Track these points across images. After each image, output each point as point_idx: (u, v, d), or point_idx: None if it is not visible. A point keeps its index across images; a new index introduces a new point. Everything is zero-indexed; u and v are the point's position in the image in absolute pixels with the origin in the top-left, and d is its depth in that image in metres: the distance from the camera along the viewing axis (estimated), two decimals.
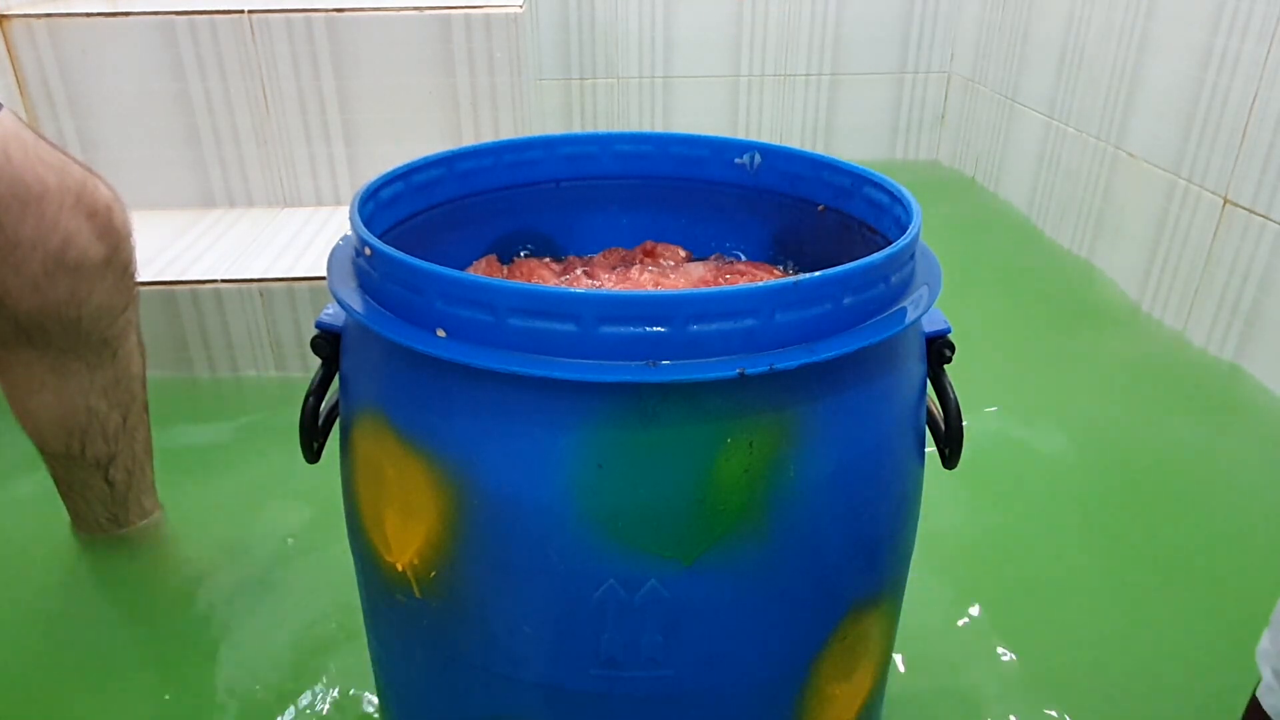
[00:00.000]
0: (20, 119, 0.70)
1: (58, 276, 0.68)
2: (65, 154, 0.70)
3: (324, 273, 0.52)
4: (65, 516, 0.88)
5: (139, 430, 0.82)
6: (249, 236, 1.27)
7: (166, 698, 0.74)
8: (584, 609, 0.48)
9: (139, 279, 0.77)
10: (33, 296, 0.68)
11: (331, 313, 0.55)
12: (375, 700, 0.71)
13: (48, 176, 0.67)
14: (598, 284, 0.65)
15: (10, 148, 0.65)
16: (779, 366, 0.43)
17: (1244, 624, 0.83)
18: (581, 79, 1.97)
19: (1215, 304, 1.23)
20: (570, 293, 0.43)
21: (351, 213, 0.52)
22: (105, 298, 0.72)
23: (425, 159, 0.62)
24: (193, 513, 0.92)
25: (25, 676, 0.76)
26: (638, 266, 0.67)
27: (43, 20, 1.23)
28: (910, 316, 0.48)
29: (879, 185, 0.59)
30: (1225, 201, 1.22)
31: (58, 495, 0.87)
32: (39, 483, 0.90)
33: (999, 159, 1.86)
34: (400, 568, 0.51)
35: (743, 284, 0.50)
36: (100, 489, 0.82)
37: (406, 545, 0.50)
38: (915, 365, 0.53)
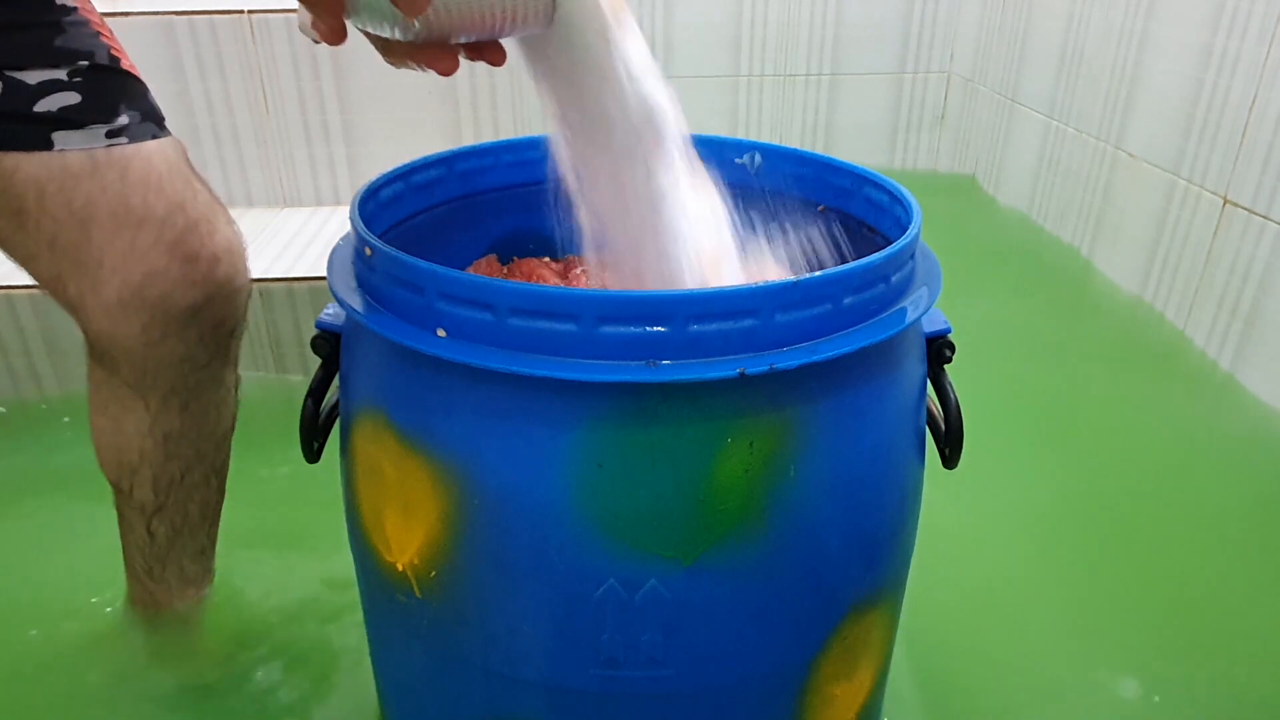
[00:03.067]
0: (177, 146, 0.67)
1: (132, 309, 0.65)
2: (203, 192, 0.67)
3: (324, 273, 0.52)
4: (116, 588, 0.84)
5: (200, 492, 0.77)
6: (249, 236, 1.26)
7: None
8: (584, 608, 0.48)
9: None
10: (103, 319, 0.65)
11: (332, 313, 0.55)
12: None
13: (156, 206, 0.64)
14: (598, 284, 0.65)
15: (132, 166, 0.63)
16: (779, 366, 0.43)
17: (1245, 619, 0.83)
18: None
19: (1215, 304, 1.23)
20: (570, 292, 0.43)
21: (352, 212, 0.52)
22: (184, 347, 0.68)
23: (425, 159, 0.62)
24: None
25: None
26: None
27: None
28: (910, 316, 0.48)
29: (879, 185, 0.59)
30: (1225, 201, 1.22)
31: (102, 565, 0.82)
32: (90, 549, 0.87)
33: (999, 159, 1.86)
34: (400, 568, 0.51)
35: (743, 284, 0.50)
36: (140, 535, 0.78)
37: (407, 545, 0.50)
38: (915, 365, 0.53)
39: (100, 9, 0.68)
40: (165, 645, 0.80)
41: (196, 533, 0.79)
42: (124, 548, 0.80)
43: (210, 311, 0.67)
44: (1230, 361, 1.20)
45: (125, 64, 0.66)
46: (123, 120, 0.64)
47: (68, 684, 0.78)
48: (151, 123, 0.66)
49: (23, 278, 0.69)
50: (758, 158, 0.66)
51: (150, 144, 0.65)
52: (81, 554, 0.91)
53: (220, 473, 0.78)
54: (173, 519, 0.77)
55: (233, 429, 0.77)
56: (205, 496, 0.78)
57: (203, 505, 0.78)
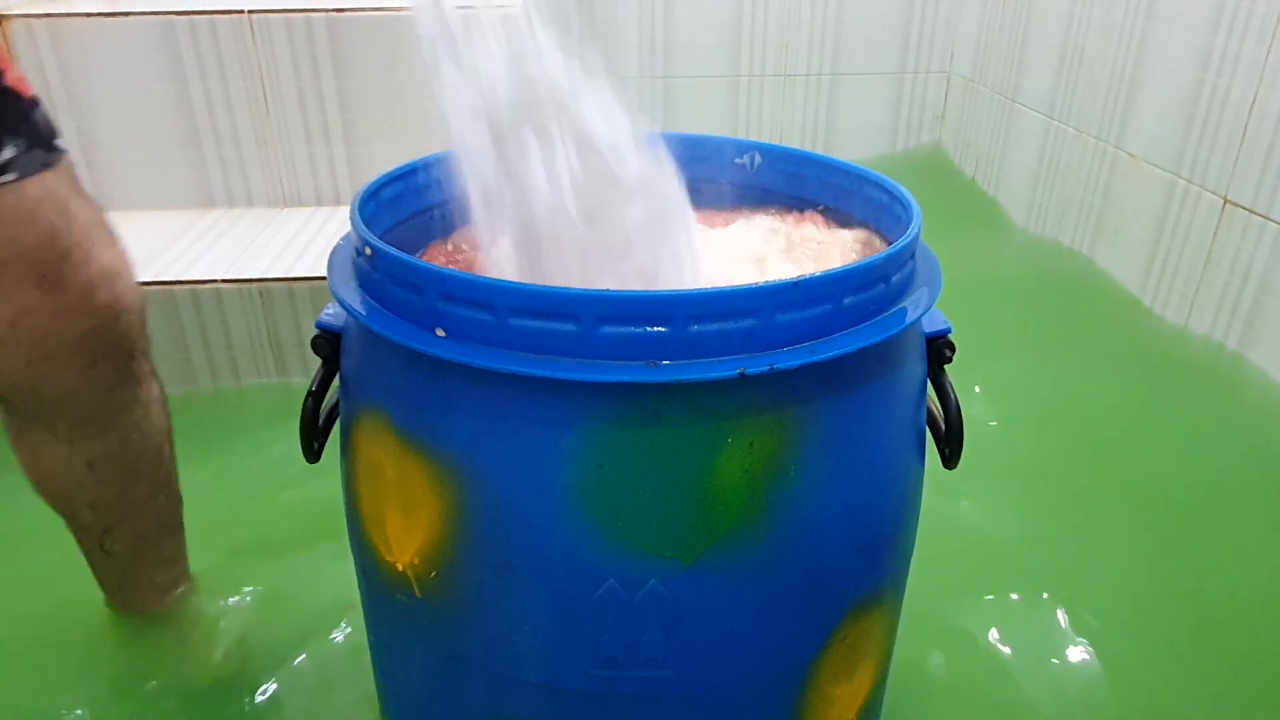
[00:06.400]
0: (61, 167, 0.61)
1: (9, 347, 0.61)
2: (82, 215, 0.62)
3: (324, 273, 0.52)
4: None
5: (147, 506, 0.74)
6: (249, 236, 1.27)
7: None
8: (584, 609, 0.48)
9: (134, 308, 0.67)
10: None
11: (332, 313, 0.55)
12: None
13: (25, 240, 0.59)
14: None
15: (4, 202, 0.58)
16: (779, 367, 0.43)
17: (1247, 614, 0.83)
18: None
19: (1215, 304, 1.23)
20: (571, 292, 0.43)
21: (352, 212, 0.52)
22: (77, 378, 0.64)
23: (425, 159, 0.62)
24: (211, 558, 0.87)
25: None
26: None
27: (43, 20, 1.23)
28: (910, 316, 0.48)
29: (879, 185, 0.59)
30: (1225, 201, 1.22)
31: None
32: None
33: (999, 159, 1.86)
34: (400, 568, 0.51)
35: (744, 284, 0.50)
36: (97, 555, 0.76)
37: (407, 545, 0.50)
38: (916, 365, 0.53)
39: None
40: (158, 647, 0.80)
41: (158, 544, 0.77)
42: (89, 564, 0.78)
43: (96, 339, 0.64)
44: (1230, 361, 1.20)
45: (10, 77, 0.59)
46: (7, 154, 0.57)
47: (61, 687, 0.77)
48: (40, 149, 0.60)
49: None
50: (758, 158, 0.66)
51: (39, 177, 0.59)
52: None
53: (166, 486, 0.75)
54: (127, 536, 0.75)
55: (168, 441, 0.75)
56: (157, 511, 0.75)
57: (157, 519, 0.76)
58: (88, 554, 0.77)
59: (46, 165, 0.60)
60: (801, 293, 0.44)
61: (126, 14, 1.24)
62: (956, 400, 0.55)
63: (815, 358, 0.44)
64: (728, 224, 0.65)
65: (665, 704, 0.51)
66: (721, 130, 2.02)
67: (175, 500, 0.77)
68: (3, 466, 1.03)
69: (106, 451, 0.70)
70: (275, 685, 0.76)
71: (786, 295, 0.44)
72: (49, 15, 1.23)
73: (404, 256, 0.46)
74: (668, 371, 0.42)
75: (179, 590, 0.81)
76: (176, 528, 0.79)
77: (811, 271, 0.45)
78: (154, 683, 0.77)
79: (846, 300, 0.45)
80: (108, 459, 0.70)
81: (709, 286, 0.43)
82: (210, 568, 0.86)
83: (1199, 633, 0.82)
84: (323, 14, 1.26)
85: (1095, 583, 0.88)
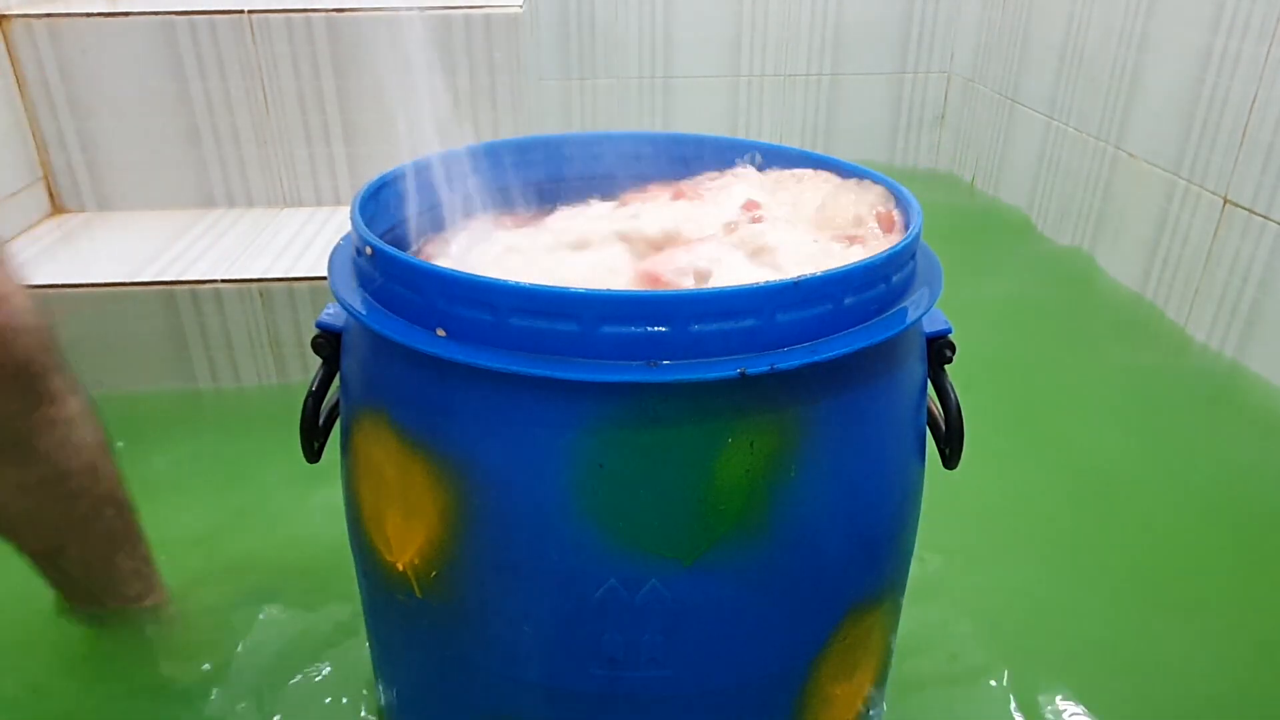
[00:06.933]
0: None
1: None
2: None
3: (324, 273, 0.53)
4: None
5: (94, 524, 0.72)
6: (249, 236, 1.27)
7: None
8: (585, 609, 0.48)
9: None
10: None
11: (332, 312, 0.55)
12: None
13: None
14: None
15: None
16: (780, 367, 0.43)
17: (1246, 611, 0.83)
18: (581, 79, 1.96)
19: (1215, 304, 1.23)
20: (572, 292, 0.43)
21: (352, 212, 0.52)
22: None
23: (425, 159, 0.62)
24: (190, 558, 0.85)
25: None
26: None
27: (43, 20, 1.23)
28: (911, 317, 0.48)
29: (879, 185, 0.59)
30: (1225, 201, 1.22)
31: None
32: None
33: (999, 159, 1.86)
34: (401, 567, 0.51)
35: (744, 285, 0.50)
36: (56, 577, 0.75)
37: (407, 545, 0.50)
38: (916, 365, 0.53)
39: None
40: (144, 649, 0.78)
41: (113, 559, 0.75)
42: (53, 589, 0.77)
43: None
44: (1231, 362, 1.20)
45: None
46: None
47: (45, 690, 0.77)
48: None
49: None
50: (758, 158, 0.66)
51: None
52: None
53: (112, 500, 0.73)
54: (81, 555, 0.73)
55: (103, 454, 0.72)
56: (107, 526, 0.73)
57: (108, 534, 0.73)
58: (46, 576, 0.75)
59: None
60: (802, 293, 0.44)
61: (126, 14, 1.24)
62: (957, 400, 0.55)
63: (816, 358, 0.44)
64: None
65: (665, 704, 0.51)
66: (721, 130, 2.02)
67: (125, 511, 0.75)
68: None
69: (35, 477, 0.68)
70: (274, 687, 0.76)
71: (787, 295, 0.44)
72: (49, 15, 1.23)
73: (404, 256, 0.46)
74: (668, 371, 0.42)
75: (153, 600, 0.79)
76: (133, 539, 0.76)
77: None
78: (148, 685, 0.77)
79: (847, 300, 0.45)
80: (39, 485, 0.68)
81: (710, 286, 0.44)
82: (207, 567, 0.86)
83: (1197, 629, 0.82)
84: (323, 14, 1.26)
85: (1093, 579, 0.88)
